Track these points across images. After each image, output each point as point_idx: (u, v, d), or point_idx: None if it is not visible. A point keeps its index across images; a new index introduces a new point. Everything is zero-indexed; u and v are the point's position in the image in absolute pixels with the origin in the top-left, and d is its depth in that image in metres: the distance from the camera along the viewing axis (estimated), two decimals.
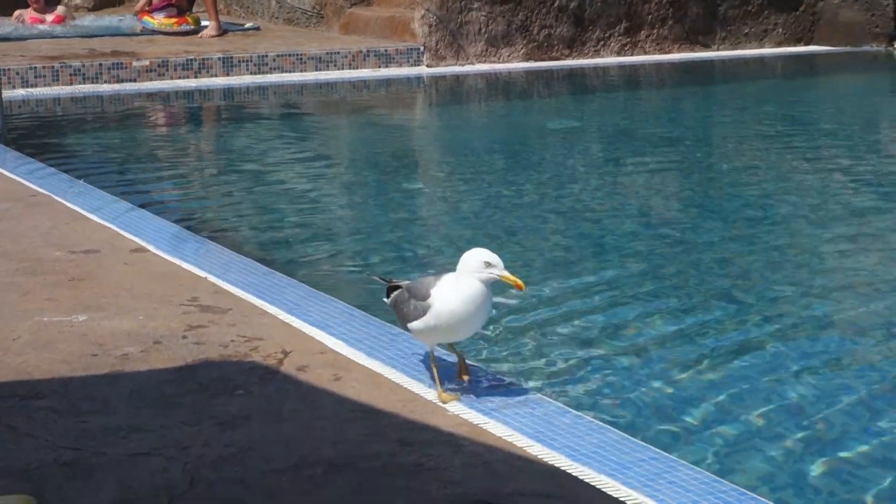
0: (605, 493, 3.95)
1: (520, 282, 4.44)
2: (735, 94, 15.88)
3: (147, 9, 17.17)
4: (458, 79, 15.82)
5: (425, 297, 4.50)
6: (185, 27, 17.03)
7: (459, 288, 4.44)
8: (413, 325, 4.58)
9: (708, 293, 7.21)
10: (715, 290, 7.28)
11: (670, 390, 5.67)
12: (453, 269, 4.54)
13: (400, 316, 4.72)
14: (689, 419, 5.35)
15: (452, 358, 4.91)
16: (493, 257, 4.41)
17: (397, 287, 4.85)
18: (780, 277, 7.59)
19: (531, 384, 5.39)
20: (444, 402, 4.58)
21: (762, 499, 4.12)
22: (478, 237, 8.47)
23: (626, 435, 4.55)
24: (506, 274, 4.41)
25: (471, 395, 4.78)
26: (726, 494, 4.04)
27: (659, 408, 5.50)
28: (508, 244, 8.23)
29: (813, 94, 16.14)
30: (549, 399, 4.95)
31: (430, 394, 4.76)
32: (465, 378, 4.74)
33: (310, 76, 15.34)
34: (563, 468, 4.13)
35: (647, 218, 9.17)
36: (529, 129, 13.39)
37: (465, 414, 4.56)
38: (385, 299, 4.97)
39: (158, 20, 17.03)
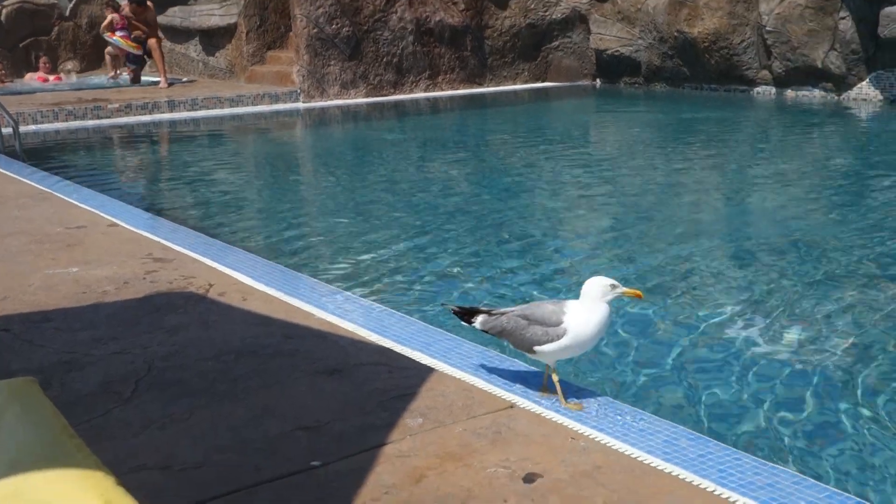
0: (413, 359, 4.03)
1: (639, 292, 3.55)
2: (500, 114, 16.04)
3: (111, 30, 16.65)
4: (323, 110, 15.72)
5: (557, 322, 3.52)
6: (139, 52, 16.61)
7: (593, 315, 3.48)
8: (546, 347, 3.54)
9: (486, 237, 7.31)
10: (490, 234, 7.38)
11: (454, 294, 5.78)
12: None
13: (518, 340, 3.62)
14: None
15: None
16: (613, 281, 3.50)
17: (475, 312, 3.78)
18: (530, 225, 7.73)
19: (371, 297, 5.43)
20: (576, 409, 3.55)
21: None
22: (339, 209, 8.48)
23: (433, 326, 4.61)
24: (627, 290, 3.51)
25: (329, 304, 4.81)
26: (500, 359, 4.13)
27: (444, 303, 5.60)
28: (360, 212, 8.24)
29: (548, 112, 16.38)
30: (383, 306, 5.00)
31: (304, 307, 4.77)
32: (559, 398, 3.62)
33: (226, 111, 15.13)
34: (390, 348, 4.20)
35: (447, 192, 9.24)
36: (370, 139, 13.37)
37: (327, 317, 4.59)
38: (467, 324, 3.80)
39: (124, 39, 16.52)
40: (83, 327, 4.47)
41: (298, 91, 15.95)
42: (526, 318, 3.60)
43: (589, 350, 3.72)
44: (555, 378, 3.61)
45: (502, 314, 3.69)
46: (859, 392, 4.32)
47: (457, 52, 17.65)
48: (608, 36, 17.90)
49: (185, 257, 5.74)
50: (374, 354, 4.08)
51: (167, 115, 14.64)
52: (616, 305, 5.54)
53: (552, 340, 3.52)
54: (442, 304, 3.89)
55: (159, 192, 9.61)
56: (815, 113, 14.26)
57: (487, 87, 18.16)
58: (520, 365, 4.00)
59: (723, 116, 14.31)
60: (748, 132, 13.28)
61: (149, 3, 16.78)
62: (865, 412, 4.12)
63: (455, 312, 3.82)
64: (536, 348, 3.57)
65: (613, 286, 3.48)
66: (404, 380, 3.76)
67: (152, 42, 16.67)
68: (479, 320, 3.74)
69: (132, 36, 16.62)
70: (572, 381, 4.00)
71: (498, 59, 18.27)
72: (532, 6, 18.18)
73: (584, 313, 3.50)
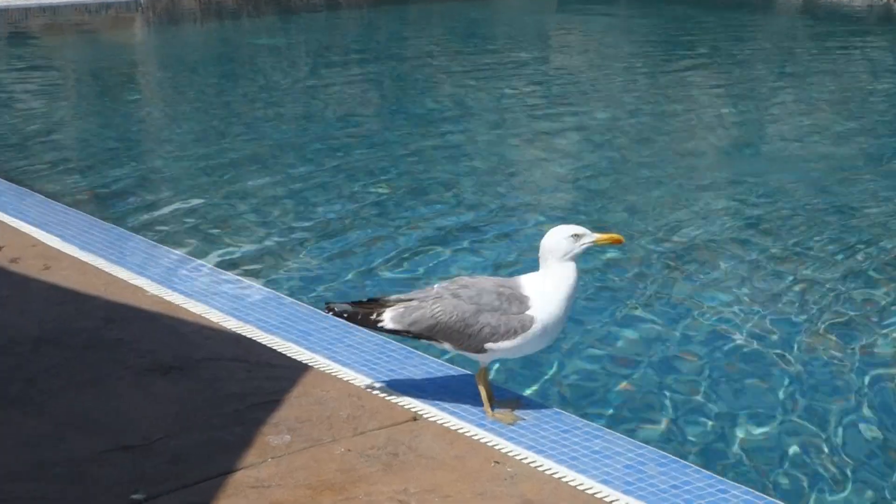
0: (283, 354, 4.02)
1: (617, 236, 3.56)
2: (423, 14, 15.95)
3: None
4: (173, 3, 15.51)
5: (521, 309, 3.45)
6: None
7: (560, 287, 3.46)
8: (506, 343, 3.47)
9: (398, 182, 7.31)
10: (405, 179, 7.39)
11: (356, 255, 5.81)
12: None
13: (463, 336, 3.49)
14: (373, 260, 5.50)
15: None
16: (579, 228, 3.45)
17: (375, 306, 3.60)
18: (462, 169, 7.73)
19: (230, 268, 5.41)
20: (507, 422, 3.57)
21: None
22: (192, 142, 8.42)
23: (314, 309, 4.60)
24: (601, 236, 3.48)
25: (170, 276, 4.81)
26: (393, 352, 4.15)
27: (345, 266, 5.68)
28: (222, 148, 8.19)
29: (489, 12, 16.34)
30: (246, 280, 5.00)
31: (134, 279, 4.74)
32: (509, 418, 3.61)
33: (33, 2, 14.87)
34: (252, 337, 4.19)
35: (345, 120, 9.20)
36: (240, 45, 13.29)
37: (166, 295, 4.57)
38: (370, 329, 3.68)
39: None
40: None
41: None
42: (475, 302, 3.46)
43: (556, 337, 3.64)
44: (482, 381, 3.60)
45: (423, 301, 3.53)
46: None
47: None
48: None
49: None
50: (228, 346, 4.07)
51: None
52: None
53: (517, 333, 3.45)
54: (327, 307, 3.71)
55: None
56: (857, 20, 14.48)
57: None
58: (430, 361, 4.02)
59: (731, 22, 14.45)
60: (765, 46, 13.44)
61: None
62: None
63: (346, 316, 3.59)
64: (490, 345, 3.47)
65: (577, 236, 3.43)
66: (269, 381, 3.76)
67: None
68: (388, 317, 3.54)
69: None
70: (507, 385, 4.05)
71: None
72: None
73: (549, 288, 3.45)
